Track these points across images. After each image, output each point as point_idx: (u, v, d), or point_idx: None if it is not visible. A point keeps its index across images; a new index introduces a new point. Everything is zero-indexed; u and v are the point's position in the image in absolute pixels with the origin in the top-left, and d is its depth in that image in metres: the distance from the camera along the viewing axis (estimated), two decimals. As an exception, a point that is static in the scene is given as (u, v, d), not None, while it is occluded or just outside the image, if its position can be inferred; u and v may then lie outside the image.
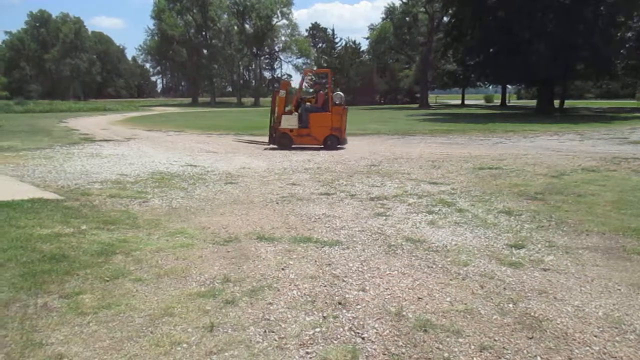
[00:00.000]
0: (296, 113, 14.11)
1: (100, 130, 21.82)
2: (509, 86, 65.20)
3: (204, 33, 78.37)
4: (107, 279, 3.97)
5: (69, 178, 8.81)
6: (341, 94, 14.60)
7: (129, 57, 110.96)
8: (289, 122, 14.03)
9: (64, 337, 3.03)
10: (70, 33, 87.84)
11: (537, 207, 6.51)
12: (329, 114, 14.02)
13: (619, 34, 37.83)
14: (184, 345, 2.95)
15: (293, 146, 14.07)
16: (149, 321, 3.25)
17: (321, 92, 14.81)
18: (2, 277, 3.91)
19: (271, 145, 14.47)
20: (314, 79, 14.97)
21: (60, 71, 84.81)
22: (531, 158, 11.49)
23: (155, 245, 4.85)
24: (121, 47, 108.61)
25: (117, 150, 13.76)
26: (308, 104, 14.42)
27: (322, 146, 13.98)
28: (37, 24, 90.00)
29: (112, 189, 7.88)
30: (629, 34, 41.04)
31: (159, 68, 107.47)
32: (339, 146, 14.08)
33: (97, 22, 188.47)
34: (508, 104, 61.19)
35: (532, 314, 3.36)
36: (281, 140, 14.15)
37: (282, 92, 14.24)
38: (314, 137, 14.09)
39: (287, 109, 14.21)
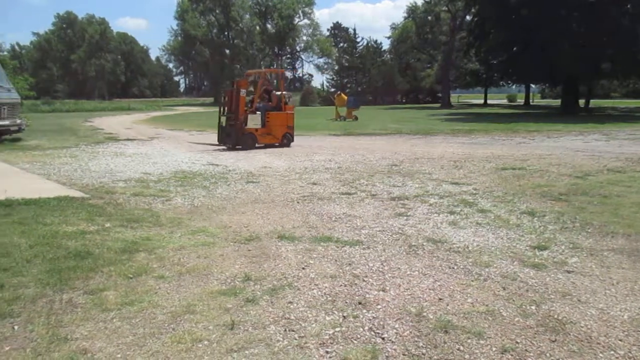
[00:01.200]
0: (258, 113, 14.16)
1: (124, 129, 22.14)
2: (532, 85, 64.34)
3: (226, 33, 79.05)
4: (131, 276, 4.03)
5: (93, 176, 8.96)
6: (290, 93, 16.23)
7: (153, 57, 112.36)
8: (254, 121, 14.03)
9: (88, 332, 3.09)
10: (95, 34, 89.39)
11: (561, 208, 6.41)
12: (285, 113, 14.82)
13: (646, 32, 36.95)
14: (205, 342, 2.97)
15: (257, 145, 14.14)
16: (170, 318, 3.29)
17: (274, 92, 15.07)
18: (29, 273, 4.00)
19: (221, 147, 14.34)
20: (268, 78, 14.67)
21: (85, 71, 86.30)
22: (555, 158, 11.32)
23: (178, 244, 4.91)
24: (145, 47, 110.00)
25: (140, 149, 13.96)
26: (261, 104, 14.51)
27: (279, 144, 14.57)
28: (64, 25, 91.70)
29: (136, 187, 7.99)
30: (658, 32, 40.06)
31: (181, 68, 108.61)
32: (292, 143, 14.88)
33: (122, 23, 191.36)
34: (532, 104, 60.43)
35: (556, 316, 3.31)
36: (247, 140, 13.92)
37: (243, 91, 13.95)
38: (274, 136, 14.51)
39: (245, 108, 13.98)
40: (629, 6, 34.06)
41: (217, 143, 14.55)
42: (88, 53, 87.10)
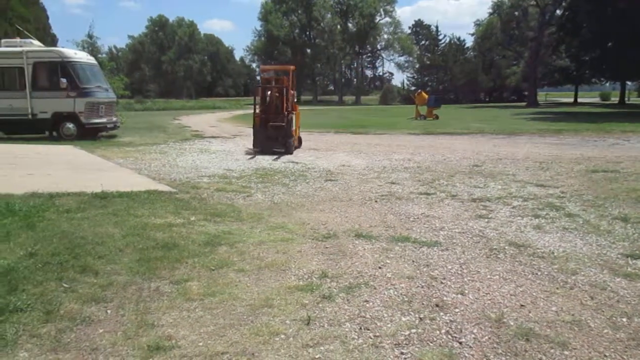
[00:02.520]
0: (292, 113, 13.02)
1: (209, 127, 23.01)
2: (628, 83, 60.14)
3: (307, 33, 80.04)
4: (213, 268, 4.19)
5: (180, 172, 9.39)
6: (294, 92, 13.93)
7: (237, 58, 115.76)
8: (292, 123, 12.96)
9: (173, 320, 3.25)
10: (184, 36, 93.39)
11: (659, 214, 5.97)
12: (298, 114, 13.72)
13: None
14: (282, 336, 3.05)
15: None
16: (249, 310, 3.39)
17: (292, 91, 13.39)
18: (121, 261, 4.27)
19: (256, 150, 12.80)
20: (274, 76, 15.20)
21: (175, 71, 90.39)
22: (654, 161, 10.53)
23: (258, 238, 5.05)
24: (230, 48, 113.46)
25: (224, 146, 14.47)
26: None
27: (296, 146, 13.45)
28: (156, 28, 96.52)
29: (219, 183, 8.29)
30: None
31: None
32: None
33: (210, 25, 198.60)
34: (627, 102, 56.48)
35: (650, 330, 3.09)
36: (292, 143, 12.85)
37: (292, 91, 12.91)
38: (295, 138, 13.37)
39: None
40: None
41: (253, 148, 12.92)
42: (177, 54, 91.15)
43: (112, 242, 4.74)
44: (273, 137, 12.51)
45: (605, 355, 2.81)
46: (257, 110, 12.88)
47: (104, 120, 16.31)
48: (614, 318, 3.27)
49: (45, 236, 4.84)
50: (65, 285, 3.71)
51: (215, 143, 15.46)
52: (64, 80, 15.26)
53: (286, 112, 12.62)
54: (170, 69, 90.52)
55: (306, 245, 4.88)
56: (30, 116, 15.45)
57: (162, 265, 4.21)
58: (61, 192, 6.85)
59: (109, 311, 3.36)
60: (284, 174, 9.30)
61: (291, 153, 12.39)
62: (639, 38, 30.37)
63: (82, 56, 17.05)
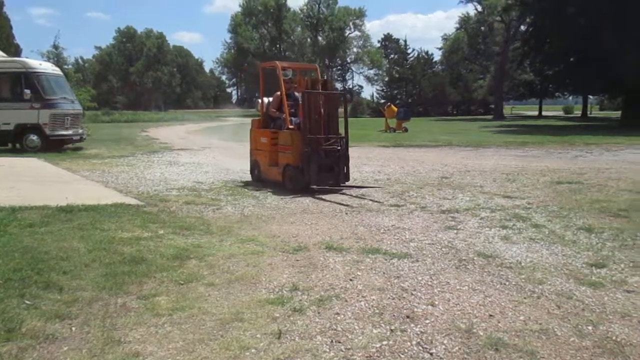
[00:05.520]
0: None
1: (178, 139, 22.79)
2: (590, 97, 62.08)
3: (278, 45, 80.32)
4: (182, 282, 4.12)
5: (148, 184, 9.25)
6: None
7: (207, 70, 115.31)
8: None
9: (140, 336, 3.18)
10: (153, 47, 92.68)
11: (620, 224, 6.14)
12: None
13: None
14: (253, 350, 3.01)
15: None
16: (219, 325, 3.34)
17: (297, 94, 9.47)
18: (86, 276, 4.16)
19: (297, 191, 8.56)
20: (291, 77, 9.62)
21: (143, 83, 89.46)
22: (615, 172, 10.85)
23: (227, 252, 4.99)
24: (199, 60, 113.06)
25: (193, 158, 14.33)
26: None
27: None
28: (124, 39, 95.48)
29: (188, 195, 8.19)
30: None
31: (234, 80, 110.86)
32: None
33: (179, 37, 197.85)
34: (589, 115, 58.25)
35: (614, 338, 3.16)
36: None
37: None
38: None
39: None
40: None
41: (290, 183, 8.75)
42: (146, 66, 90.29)
43: (77, 257, 4.62)
44: (326, 166, 8.67)
45: (572, 364, 2.85)
46: (291, 124, 8.87)
47: (69, 132, 15.99)
48: (579, 326, 3.33)
49: (7, 251, 4.69)
50: (27, 302, 3.59)
51: (184, 155, 15.30)
52: (27, 91, 14.92)
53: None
54: (139, 81, 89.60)
55: (277, 258, 4.84)
56: (-8, 128, 15.05)
57: (129, 280, 4.12)
58: (24, 206, 6.66)
59: (73, 328, 3.26)
60: (254, 186, 9.25)
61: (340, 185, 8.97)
62: (599, 54, 31.39)
63: (47, 67, 16.73)
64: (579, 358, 2.92)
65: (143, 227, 5.87)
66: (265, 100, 9.92)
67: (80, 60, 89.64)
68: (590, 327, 3.32)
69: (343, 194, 8.48)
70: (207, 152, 16.39)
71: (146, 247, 5.07)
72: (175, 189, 8.86)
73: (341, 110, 9.46)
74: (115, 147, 17.95)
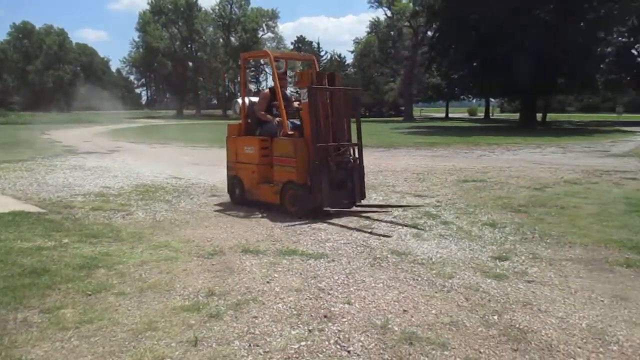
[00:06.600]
0: None
1: (83, 142, 21.63)
2: (492, 99, 66.08)
3: (189, 45, 78.52)
4: (89, 293, 3.90)
5: (51, 191, 8.70)
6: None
7: (114, 69, 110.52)
8: None
9: (44, 352, 2.97)
10: (54, 45, 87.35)
11: (520, 219, 6.57)
12: None
13: (599, 50, 38.65)
14: (168, 359, 2.91)
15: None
16: (131, 336, 3.20)
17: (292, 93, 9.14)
18: (-19, 291, 3.83)
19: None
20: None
21: (43, 83, 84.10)
22: (515, 171, 11.60)
23: (139, 259, 4.80)
24: (105, 59, 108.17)
25: (100, 162, 13.65)
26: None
27: None
28: (20, 35, 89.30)
29: (95, 201, 7.79)
30: (609, 49, 41.97)
31: (143, 80, 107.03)
32: None
33: (82, 34, 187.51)
34: (491, 117, 61.94)
35: (517, 325, 3.37)
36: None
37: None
38: None
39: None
40: (582, 24, 35.49)
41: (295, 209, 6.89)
42: (46, 64, 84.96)
43: (-31, 271, 4.25)
44: (338, 181, 6.96)
45: (480, 352, 3.00)
46: (289, 130, 7.13)
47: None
48: (486, 316, 3.51)
49: None
50: None
51: (90, 159, 14.53)
52: None
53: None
54: (38, 80, 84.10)
55: (191, 264, 4.72)
56: None
57: (30, 293, 3.84)
58: None
59: (-34, 348, 2.99)
60: (166, 190, 8.96)
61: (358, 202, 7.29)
62: (498, 59, 33.50)
63: None
64: (486, 346, 3.08)
65: (45, 236, 5.51)
66: (247, 100, 8.00)
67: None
68: (495, 317, 3.51)
69: (359, 215, 6.89)
70: (115, 156, 15.67)
71: (49, 257, 4.76)
72: (80, 194, 8.39)
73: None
74: (12, 150, 16.72)
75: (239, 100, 8.16)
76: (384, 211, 7.07)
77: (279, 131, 7.25)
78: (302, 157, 6.77)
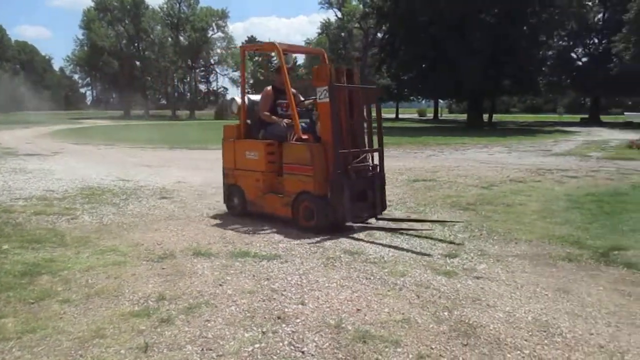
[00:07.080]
0: None
1: (25, 144, 20.73)
2: (440, 100, 67.61)
3: (136, 44, 76.66)
4: (32, 301, 3.74)
5: (-11, 195, 8.29)
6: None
7: (56, 68, 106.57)
8: None
9: (-17, 365, 2.83)
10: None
11: (469, 217, 6.74)
12: None
13: (540, 53, 40.25)
14: (116, 368, 2.82)
15: None
16: (78, 344, 3.08)
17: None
18: None
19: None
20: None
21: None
22: (463, 170, 11.90)
23: (85, 264, 4.63)
24: (47, 57, 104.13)
25: (43, 164, 13.11)
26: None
27: None
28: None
29: (38, 205, 7.48)
30: (550, 53, 43.81)
31: (88, 79, 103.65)
32: None
33: (21, 31, 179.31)
34: (440, 118, 63.38)
35: (467, 321, 3.45)
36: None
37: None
38: None
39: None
40: (525, 28, 36.85)
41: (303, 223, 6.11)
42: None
43: None
44: (358, 191, 6.21)
45: (432, 348, 3.06)
46: (302, 133, 6.21)
47: None
48: (437, 313, 3.58)
49: None
50: None
51: (32, 161, 13.93)
52: None
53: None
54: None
55: (141, 268, 4.60)
56: None
57: (-33, 302, 3.65)
58: None
59: None
60: (113, 192, 8.69)
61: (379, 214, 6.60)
62: (445, 61, 34.35)
63: None
64: (437, 342, 3.14)
65: (-17, 242, 5.24)
66: (247, 99, 7.12)
67: None
68: (446, 313, 3.58)
69: (392, 230, 6.11)
70: (59, 158, 15.09)
71: (-12, 264, 4.53)
72: (21, 198, 8.04)
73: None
74: (-54, 153, 15.86)
75: (237, 99, 7.21)
76: (417, 227, 6.18)
77: (288, 134, 6.31)
78: (320, 165, 5.90)
